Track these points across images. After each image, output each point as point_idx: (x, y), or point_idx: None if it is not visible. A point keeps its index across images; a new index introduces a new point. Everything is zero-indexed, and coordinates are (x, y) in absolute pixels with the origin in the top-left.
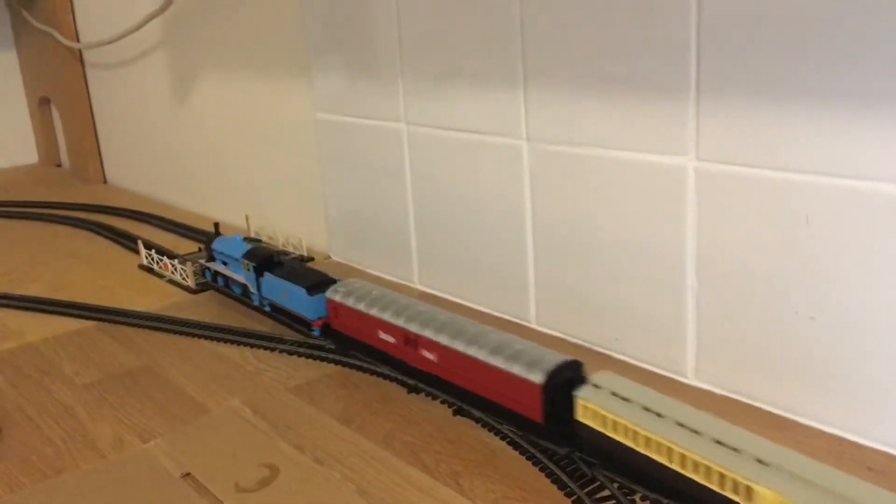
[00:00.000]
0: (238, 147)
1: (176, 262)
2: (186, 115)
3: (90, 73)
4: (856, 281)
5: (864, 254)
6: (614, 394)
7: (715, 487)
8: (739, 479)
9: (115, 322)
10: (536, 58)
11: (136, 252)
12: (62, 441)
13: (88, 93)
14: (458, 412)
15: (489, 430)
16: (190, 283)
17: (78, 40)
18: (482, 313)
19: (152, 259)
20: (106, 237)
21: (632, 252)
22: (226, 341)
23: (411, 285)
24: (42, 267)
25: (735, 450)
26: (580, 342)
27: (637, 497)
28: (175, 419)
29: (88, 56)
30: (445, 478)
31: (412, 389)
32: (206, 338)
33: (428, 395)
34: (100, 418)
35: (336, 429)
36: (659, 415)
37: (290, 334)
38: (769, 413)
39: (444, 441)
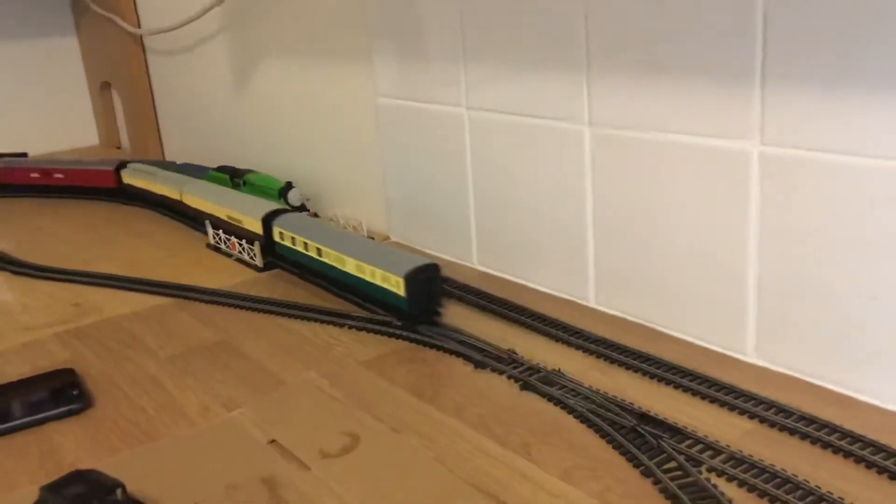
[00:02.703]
0: (298, 130)
1: (244, 241)
2: (246, 99)
3: (151, 58)
4: None
5: None
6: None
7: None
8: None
9: (190, 298)
10: (599, 42)
11: (203, 232)
12: (153, 410)
13: (149, 77)
14: (525, 387)
15: (555, 404)
16: (258, 261)
17: (139, 26)
18: (541, 292)
19: (220, 239)
20: (172, 217)
21: (693, 235)
22: (295, 317)
23: (470, 265)
24: (115, 245)
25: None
26: (641, 321)
27: (703, 468)
28: (255, 390)
29: (149, 42)
30: (516, 447)
31: (479, 365)
32: (276, 314)
33: (494, 370)
34: (185, 388)
35: (409, 400)
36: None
37: (356, 311)
38: (829, 390)
39: (513, 413)
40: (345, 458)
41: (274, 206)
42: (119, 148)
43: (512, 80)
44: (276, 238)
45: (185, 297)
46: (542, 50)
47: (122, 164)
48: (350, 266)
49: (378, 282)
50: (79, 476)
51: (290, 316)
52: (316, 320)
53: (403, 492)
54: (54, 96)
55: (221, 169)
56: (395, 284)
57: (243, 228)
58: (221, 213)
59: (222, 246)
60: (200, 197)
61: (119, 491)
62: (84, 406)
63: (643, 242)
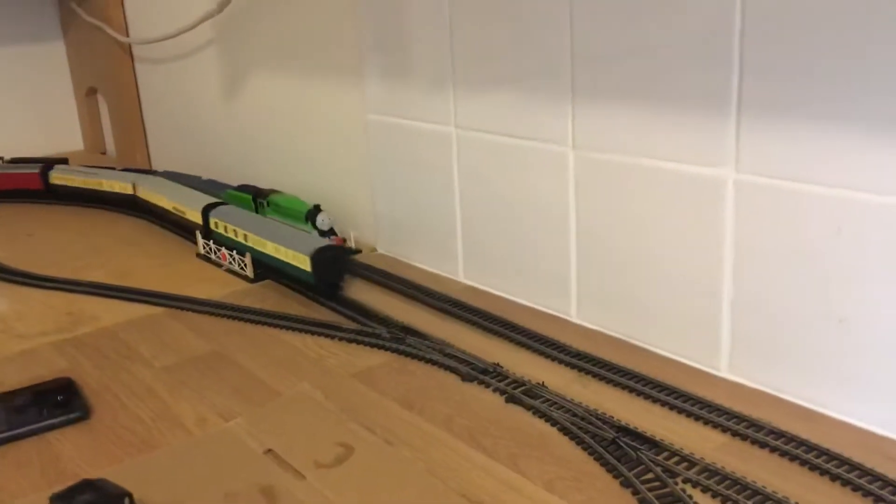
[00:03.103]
0: (288, 143)
1: (234, 252)
2: (236, 110)
3: (139, 65)
4: (883, 288)
5: (891, 262)
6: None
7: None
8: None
9: (183, 308)
10: (584, 68)
11: (192, 241)
12: (150, 419)
13: (137, 84)
14: (510, 400)
15: (540, 417)
16: (248, 272)
17: (128, 34)
18: (525, 307)
19: (210, 249)
20: (160, 226)
21: (671, 256)
22: (287, 328)
23: (456, 279)
24: (105, 254)
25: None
26: (621, 336)
27: (679, 479)
28: (250, 401)
29: (138, 50)
30: (503, 458)
31: (465, 378)
32: (268, 325)
33: (480, 383)
34: (181, 398)
35: (399, 412)
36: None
37: (346, 323)
38: (798, 406)
39: (499, 425)
40: (339, 467)
41: (211, 199)
42: (104, 153)
43: (499, 101)
44: (213, 227)
45: (178, 307)
46: (530, 74)
47: (49, 166)
48: (269, 248)
49: (290, 260)
50: (87, 485)
51: (281, 327)
52: (307, 332)
53: (396, 501)
54: (40, 101)
55: (243, 188)
56: (303, 262)
57: (186, 219)
58: (168, 205)
59: (212, 256)
60: (154, 191)
61: (127, 500)
62: (83, 415)
63: (624, 261)
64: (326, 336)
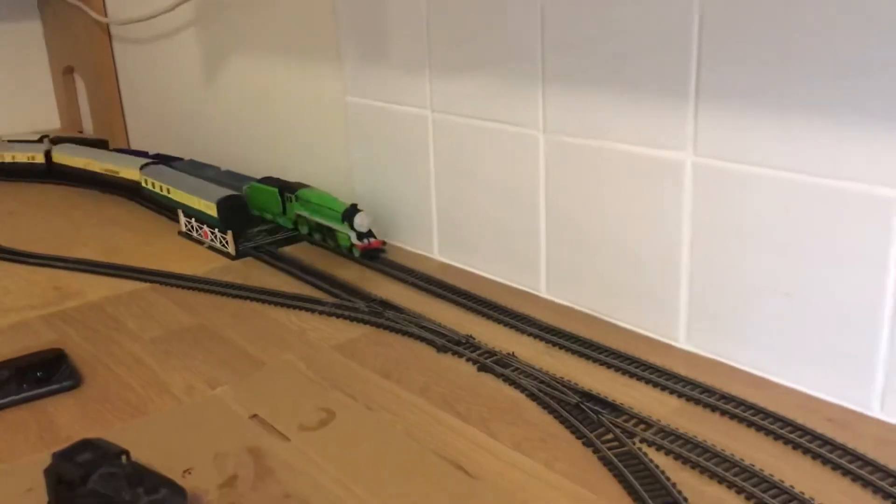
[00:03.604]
0: (268, 124)
1: (216, 230)
2: (215, 92)
3: (117, 46)
4: (824, 264)
5: (833, 241)
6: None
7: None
8: None
9: (168, 284)
10: (554, 55)
11: (172, 219)
12: (140, 387)
13: (115, 64)
14: (482, 369)
15: (509, 384)
16: (230, 249)
17: (106, 14)
18: (496, 282)
19: (192, 227)
20: (141, 204)
21: (634, 235)
22: (269, 303)
23: (432, 256)
24: (88, 231)
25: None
26: (587, 310)
27: (636, 439)
28: (235, 370)
29: (116, 30)
30: (475, 422)
31: (440, 349)
32: (250, 299)
33: (454, 354)
34: (169, 368)
35: (378, 381)
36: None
37: (326, 298)
38: (748, 373)
39: (472, 392)
40: (322, 430)
41: (145, 160)
42: (81, 132)
43: (473, 85)
44: (143, 184)
45: (163, 283)
46: (502, 59)
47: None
48: (186, 199)
49: (203, 208)
50: (87, 444)
51: (264, 301)
52: (289, 306)
53: (376, 460)
54: (16, 79)
55: (267, 181)
56: (211, 208)
57: (121, 178)
58: (97, 167)
59: (194, 234)
60: (72, 154)
61: (124, 457)
62: (75, 383)
63: (590, 240)
64: (307, 310)
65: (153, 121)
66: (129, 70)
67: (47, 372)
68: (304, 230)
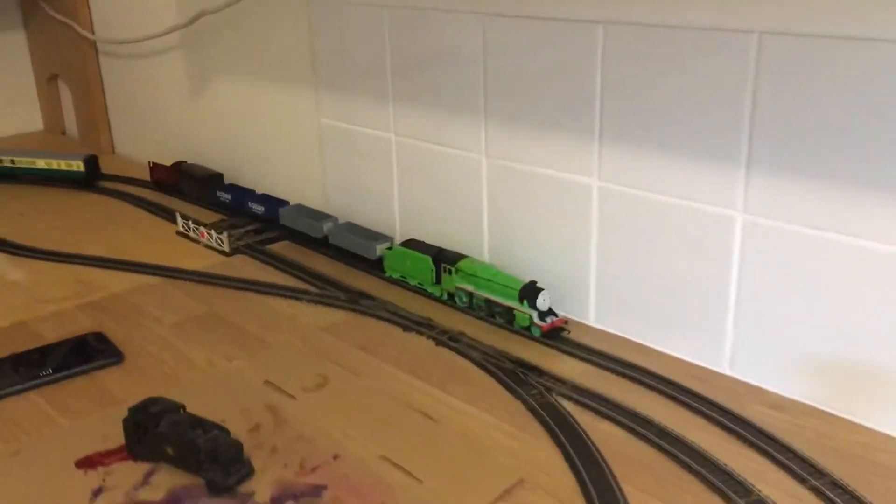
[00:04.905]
0: (249, 140)
1: (212, 229)
2: (200, 108)
3: (103, 59)
4: (692, 261)
5: (696, 244)
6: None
7: None
8: None
9: (178, 277)
10: (496, 95)
11: (169, 220)
12: (171, 361)
13: (101, 75)
14: (439, 344)
15: (461, 356)
16: (225, 247)
17: (93, 31)
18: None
19: (188, 227)
20: (137, 205)
21: (555, 242)
22: (264, 293)
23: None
24: (95, 231)
25: None
26: None
27: (554, 394)
28: (245, 348)
29: (102, 45)
30: (436, 384)
31: (406, 329)
32: (249, 290)
33: (417, 333)
34: (192, 346)
35: (360, 354)
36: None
37: (312, 289)
38: (641, 344)
39: (432, 362)
40: (321, 391)
41: None
42: (64, 133)
43: (427, 115)
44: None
45: (174, 277)
46: (448, 95)
47: None
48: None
49: (64, 167)
50: (153, 400)
51: (260, 292)
52: (281, 296)
53: (363, 411)
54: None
55: (413, 245)
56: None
57: None
58: None
59: (191, 234)
60: None
61: (182, 409)
62: (118, 360)
63: (529, 239)
64: (297, 299)
65: (139, 128)
66: (116, 81)
67: (95, 350)
68: (461, 303)
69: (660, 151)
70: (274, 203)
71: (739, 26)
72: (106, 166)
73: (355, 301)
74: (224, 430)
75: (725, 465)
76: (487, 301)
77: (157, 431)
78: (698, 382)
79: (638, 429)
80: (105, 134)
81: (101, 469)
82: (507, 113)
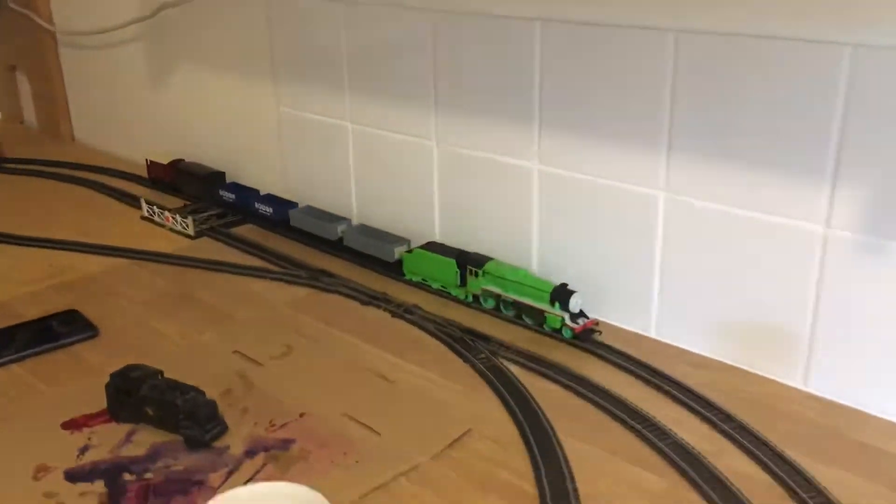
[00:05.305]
0: (211, 127)
1: (177, 214)
2: (161, 97)
3: (63, 49)
4: (616, 238)
5: (621, 225)
6: None
7: None
8: None
9: (145, 259)
10: (445, 83)
11: (134, 206)
12: (144, 335)
13: (60, 65)
14: (395, 316)
15: (414, 326)
16: (190, 231)
17: (52, 22)
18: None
19: (153, 212)
20: (101, 191)
21: (497, 212)
22: (230, 272)
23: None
24: (63, 216)
25: None
26: None
27: (499, 357)
28: (214, 322)
29: (62, 36)
30: (392, 351)
31: (364, 303)
32: (215, 270)
33: (374, 306)
34: (164, 322)
35: (322, 326)
36: None
37: (275, 268)
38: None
39: (388, 331)
40: (286, 358)
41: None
42: (22, 123)
43: (380, 103)
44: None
45: (141, 258)
46: (401, 85)
47: None
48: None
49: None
50: (133, 367)
51: (225, 272)
52: (246, 275)
53: (325, 374)
54: None
55: (433, 247)
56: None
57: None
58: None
59: (156, 218)
60: None
61: (160, 374)
62: (94, 334)
63: (466, 212)
64: (261, 277)
65: (100, 117)
66: (76, 71)
67: (70, 326)
68: (488, 305)
69: (592, 138)
70: (283, 205)
71: (659, 25)
72: (66, 155)
73: (316, 278)
74: (200, 392)
75: (648, 413)
76: (516, 303)
77: (138, 394)
78: (628, 345)
79: (573, 385)
80: (65, 123)
81: (85, 430)
82: (455, 102)
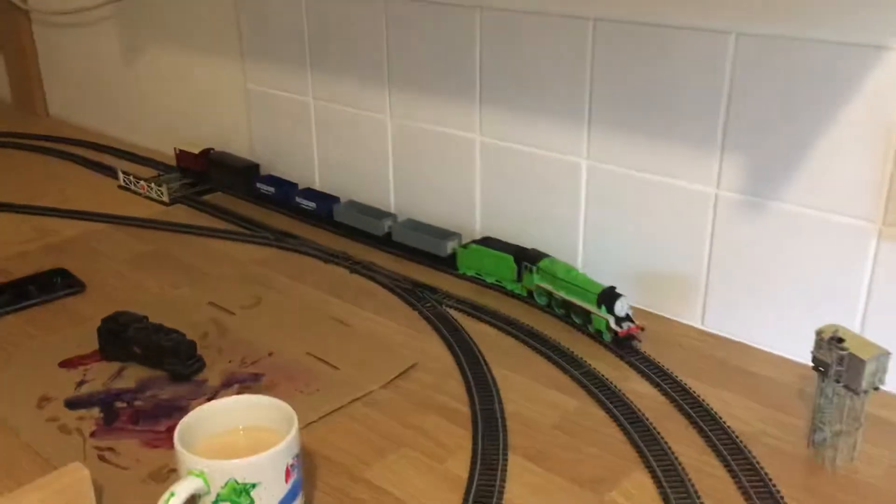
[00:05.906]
0: (181, 103)
1: (152, 183)
2: (134, 73)
3: (37, 27)
4: (556, 200)
5: (565, 190)
6: None
7: None
8: None
9: (123, 223)
10: (396, 64)
11: (110, 176)
12: (128, 289)
13: (34, 41)
14: (353, 271)
15: (371, 280)
16: (165, 198)
17: (26, 1)
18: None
19: (129, 181)
20: (78, 163)
21: (442, 186)
22: (203, 235)
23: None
24: (44, 185)
25: None
26: None
27: (444, 305)
28: (189, 277)
29: (36, 14)
30: (350, 301)
31: (326, 261)
32: (189, 233)
33: (335, 264)
34: (144, 278)
35: (287, 281)
36: None
37: (243, 231)
38: None
39: (348, 285)
40: (256, 307)
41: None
42: None
43: (342, 81)
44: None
45: (119, 223)
46: (359, 64)
47: None
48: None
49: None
50: (121, 313)
51: (199, 234)
52: (217, 237)
53: (291, 321)
54: None
55: (490, 243)
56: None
57: None
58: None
59: (132, 187)
60: None
61: (145, 319)
62: (82, 289)
63: (429, 180)
64: (231, 240)
65: (74, 93)
66: (49, 47)
67: (61, 281)
68: (541, 301)
69: (526, 113)
70: (327, 200)
71: (576, 13)
72: (40, 128)
73: (281, 240)
74: (181, 334)
75: (568, 348)
76: (565, 302)
77: (126, 335)
78: None
79: (506, 327)
80: (39, 98)
81: (81, 368)
82: (409, 79)
